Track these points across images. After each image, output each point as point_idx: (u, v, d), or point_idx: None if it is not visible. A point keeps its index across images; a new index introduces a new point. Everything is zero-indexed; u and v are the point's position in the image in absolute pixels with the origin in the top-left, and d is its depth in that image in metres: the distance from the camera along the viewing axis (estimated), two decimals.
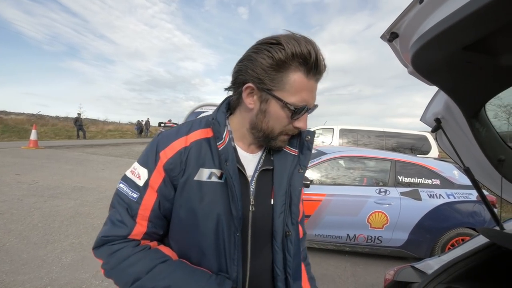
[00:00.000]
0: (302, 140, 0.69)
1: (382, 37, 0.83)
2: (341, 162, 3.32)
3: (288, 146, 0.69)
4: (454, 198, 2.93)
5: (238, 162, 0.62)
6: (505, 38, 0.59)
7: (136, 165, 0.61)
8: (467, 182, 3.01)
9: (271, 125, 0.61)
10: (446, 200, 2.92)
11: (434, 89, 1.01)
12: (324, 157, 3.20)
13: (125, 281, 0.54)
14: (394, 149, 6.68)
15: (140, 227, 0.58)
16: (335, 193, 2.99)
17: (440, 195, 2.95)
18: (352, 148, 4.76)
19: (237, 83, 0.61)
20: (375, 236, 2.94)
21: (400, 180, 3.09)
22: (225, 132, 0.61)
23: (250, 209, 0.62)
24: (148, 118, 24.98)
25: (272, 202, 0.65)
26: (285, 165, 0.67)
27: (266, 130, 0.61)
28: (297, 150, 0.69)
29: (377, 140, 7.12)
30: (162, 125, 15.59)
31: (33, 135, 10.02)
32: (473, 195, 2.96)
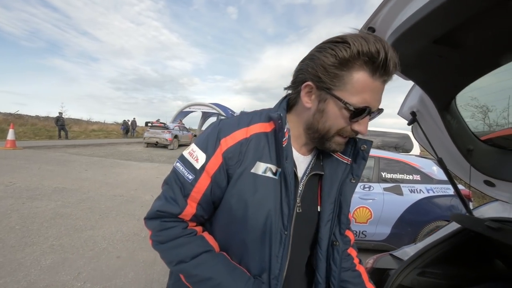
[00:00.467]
0: (357, 149, 0.67)
1: (360, 31, 0.87)
2: None
3: (340, 153, 0.67)
4: (434, 192, 3.06)
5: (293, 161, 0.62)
6: (469, 32, 0.63)
7: (194, 147, 0.61)
8: (446, 177, 3.15)
9: (328, 126, 0.58)
10: (426, 194, 3.05)
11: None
12: None
13: (170, 260, 0.59)
14: (379, 147, 6.88)
15: (190, 208, 0.59)
16: None
17: (420, 190, 3.08)
18: None
19: (297, 82, 0.60)
20: (359, 231, 3.02)
21: (384, 176, 3.19)
22: (285, 130, 0.60)
23: (296, 210, 0.62)
24: (134, 118, 24.36)
25: (319, 209, 0.65)
26: (336, 173, 0.66)
27: (322, 131, 0.59)
28: (350, 159, 0.67)
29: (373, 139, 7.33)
30: (149, 124, 15.27)
31: (10, 135, 9.52)
32: (451, 189, 3.10)
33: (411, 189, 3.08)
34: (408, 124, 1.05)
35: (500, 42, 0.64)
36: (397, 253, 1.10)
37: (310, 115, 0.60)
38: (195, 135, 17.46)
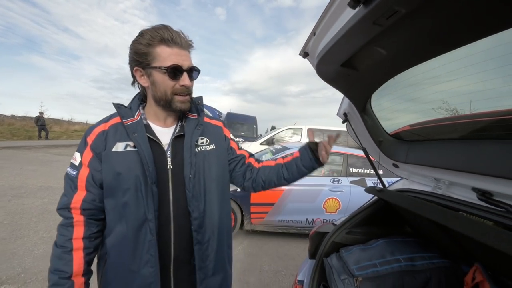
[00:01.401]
0: (196, 105, 0.91)
1: (300, 53, 1.18)
2: None
3: (190, 113, 0.90)
4: None
5: (151, 134, 0.81)
6: (359, 60, 0.96)
7: (75, 153, 0.82)
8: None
9: (163, 90, 0.78)
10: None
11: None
12: (286, 152, 3.59)
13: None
14: (360, 147, 7.28)
15: (78, 196, 0.77)
16: (296, 183, 3.37)
17: None
18: None
19: (132, 74, 0.82)
20: (329, 220, 3.38)
21: (351, 171, 3.58)
22: (137, 113, 0.82)
23: (168, 167, 0.80)
24: None
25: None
26: (190, 127, 0.86)
27: (162, 96, 0.79)
28: (196, 114, 0.91)
29: (345, 139, 7.76)
30: None
31: None
32: None
33: (374, 182, 3.48)
34: (342, 123, 1.38)
35: (379, 67, 0.97)
36: (336, 222, 1.43)
37: (150, 91, 0.81)
38: None
